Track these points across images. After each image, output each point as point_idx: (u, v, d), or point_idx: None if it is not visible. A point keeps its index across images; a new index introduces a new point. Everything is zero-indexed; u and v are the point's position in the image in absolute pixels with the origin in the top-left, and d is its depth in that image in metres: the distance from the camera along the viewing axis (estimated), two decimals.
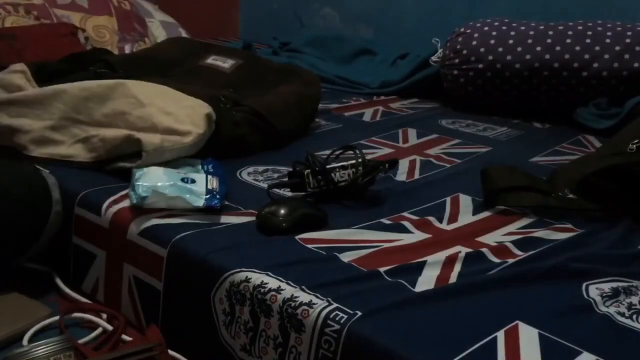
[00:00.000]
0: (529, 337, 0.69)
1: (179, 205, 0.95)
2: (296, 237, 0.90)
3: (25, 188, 0.98)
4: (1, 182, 0.96)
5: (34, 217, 0.98)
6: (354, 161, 1.05)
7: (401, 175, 1.20)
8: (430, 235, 0.94)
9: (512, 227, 0.99)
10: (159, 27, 2.15)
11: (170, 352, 0.86)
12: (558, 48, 1.67)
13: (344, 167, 1.04)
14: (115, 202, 0.99)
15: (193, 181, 0.99)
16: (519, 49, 1.70)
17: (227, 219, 0.94)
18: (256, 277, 0.78)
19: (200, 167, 1.08)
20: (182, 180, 0.98)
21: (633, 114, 1.54)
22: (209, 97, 1.23)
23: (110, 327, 0.93)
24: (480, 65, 1.73)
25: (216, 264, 0.83)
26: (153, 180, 0.96)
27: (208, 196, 0.96)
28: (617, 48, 1.63)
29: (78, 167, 1.11)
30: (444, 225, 0.98)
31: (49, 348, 0.76)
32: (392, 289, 0.77)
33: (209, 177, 1.02)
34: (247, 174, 1.15)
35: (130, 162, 1.06)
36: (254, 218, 0.94)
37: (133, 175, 1.00)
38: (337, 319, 0.70)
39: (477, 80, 1.75)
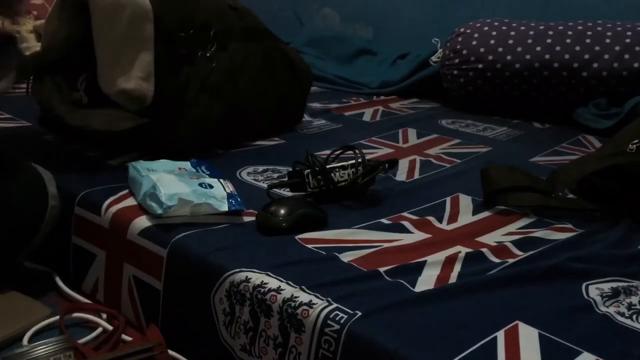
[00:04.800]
0: (529, 337, 0.69)
1: (202, 212, 0.94)
2: (296, 237, 0.90)
3: (21, 184, 0.98)
4: None
5: (31, 213, 0.98)
6: (354, 161, 1.05)
7: (401, 175, 1.20)
8: (430, 235, 0.94)
9: (512, 227, 0.99)
10: None
11: (170, 352, 0.85)
12: (558, 48, 1.67)
13: (344, 167, 1.04)
14: (115, 202, 0.99)
15: (211, 186, 0.98)
16: (519, 49, 1.70)
17: (227, 219, 0.94)
18: (256, 277, 0.78)
19: (195, 170, 1.06)
20: (200, 185, 0.97)
21: (633, 114, 1.54)
22: None
23: (110, 327, 0.93)
24: (480, 65, 1.73)
25: (216, 264, 0.83)
26: (173, 187, 0.94)
27: (231, 200, 0.96)
28: (617, 48, 1.63)
29: None
30: (444, 225, 0.98)
31: (49, 348, 0.76)
32: (392, 289, 0.77)
33: (221, 180, 1.01)
34: (247, 174, 1.15)
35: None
36: (254, 218, 0.94)
37: (140, 184, 0.97)
38: (337, 319, 0.70)
39: (477, 80, 1.75)
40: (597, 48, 1.65)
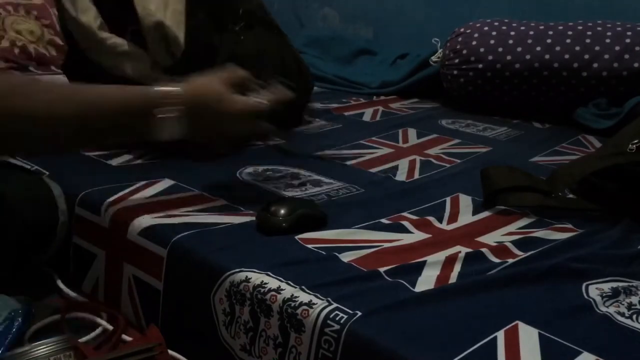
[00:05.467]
0: (529, 337, 0.69)
1: None
2: (296, 237, 0.90)
3: (32, 202, 0.98)
4: (8, 197, 0.96)
5: (42, 229, 0.99)
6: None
7: (401, 175, 1.20)
8: (430, 235, 0.94)
9: (512, 227, 0.99)
10: None
11: (170, 352, 0.85)
12: (558, 48, 1.67)
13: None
14: (115, 202, 0.99)
15: None
16: (519, 49, 1.70)
17: (227, 219, 0.94)
18: (256, 277, 0.78)
19: None
20: None
21: (633, 114, 1.54)
22: None
23: (110, 327, 0.93)
24: (480, 65, 1.73)
25: (216, 264, 0.83)
26: None
27: None
28: (617, 48, 1.63)
29: None
30: (444, 225, 0.98)
31: (49, 348, 0.75)
32: (392, 289, 0.77)
33: None
34: (247, 174, 1.15)
35: None
36: (253, 218, 0.94)
37: None
38: (337, 319, 0.70)
39: (477, 80, 1.75)
40: (597, 48, 1.65)
